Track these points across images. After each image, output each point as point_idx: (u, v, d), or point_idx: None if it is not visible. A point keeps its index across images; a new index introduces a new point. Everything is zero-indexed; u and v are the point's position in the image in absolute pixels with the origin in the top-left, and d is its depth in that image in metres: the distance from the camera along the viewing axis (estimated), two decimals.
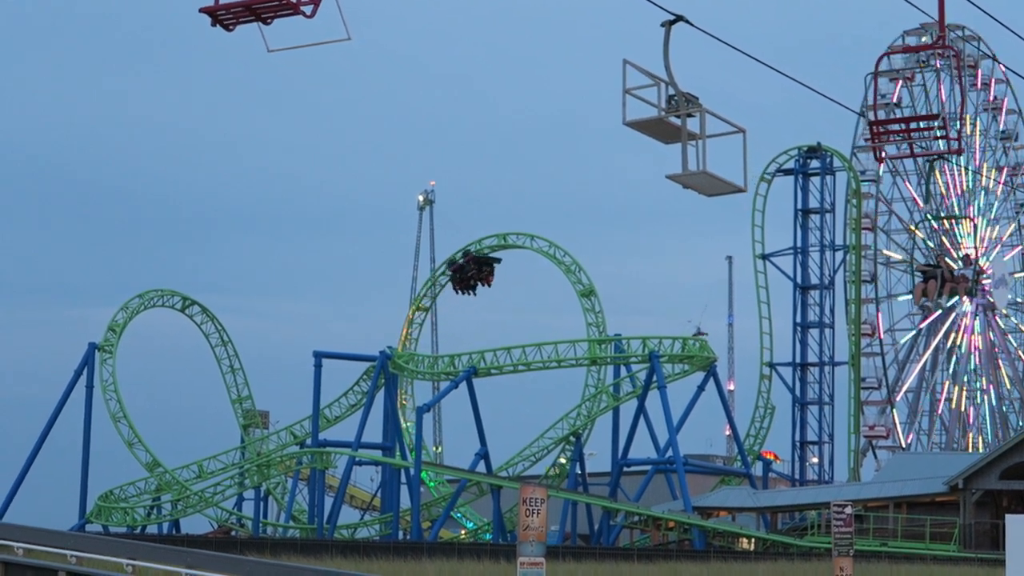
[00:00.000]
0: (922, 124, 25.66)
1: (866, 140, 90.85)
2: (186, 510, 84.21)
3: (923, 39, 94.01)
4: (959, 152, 28.64)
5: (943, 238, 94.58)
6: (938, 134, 25.58)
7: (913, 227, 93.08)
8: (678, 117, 17.47)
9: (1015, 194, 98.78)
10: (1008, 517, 23.15)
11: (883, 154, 31.94)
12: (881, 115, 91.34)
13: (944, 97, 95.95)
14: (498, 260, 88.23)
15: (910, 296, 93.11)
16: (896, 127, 25.59)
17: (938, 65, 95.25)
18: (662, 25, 17.31)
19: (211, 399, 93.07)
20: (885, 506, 70.56)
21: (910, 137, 25.52)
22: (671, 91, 17.41)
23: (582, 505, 77.98)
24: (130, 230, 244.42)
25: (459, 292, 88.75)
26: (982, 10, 21.82)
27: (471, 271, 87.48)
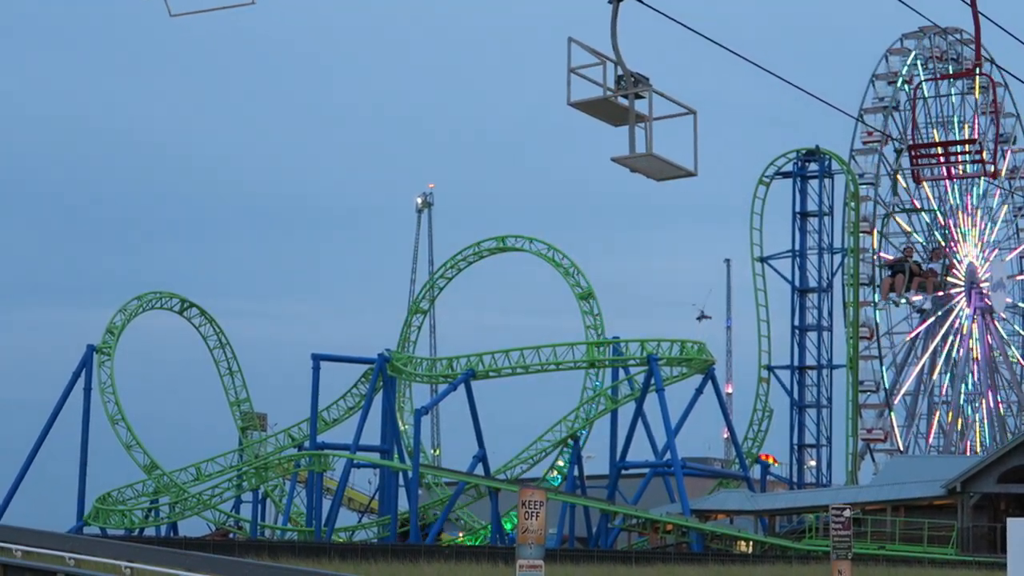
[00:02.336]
0: (959, 148, 26.08)
1: (865, 142, 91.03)
2: (184, 512, 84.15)
3: (923, 42, 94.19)
4: (995, 175, 29.12)
5: (941, 241, 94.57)
6: (975, 158, 25.94)
7: (910, 230, 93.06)
8: (625, 97, 16.81)
9: (1013, 197, 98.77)
10: (1009, 521, 23.18)
11: (922, 176, 32.41)
12: (880, 119, 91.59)
13: (942, 100, 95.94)
14: None
15: (919, 297, 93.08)
16: (935, 151, 25.99)
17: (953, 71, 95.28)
18: (609, 1, 16.65)
19: (209, 401, 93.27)
20: (883, 509, 70.58)
21: (948, 161, 25.90)
22: (620, 71, 16.75)
23: (580, 508, 77.99)
24: (128, 232, 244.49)
25: None
26: (984, 15, 21.83)
27: None
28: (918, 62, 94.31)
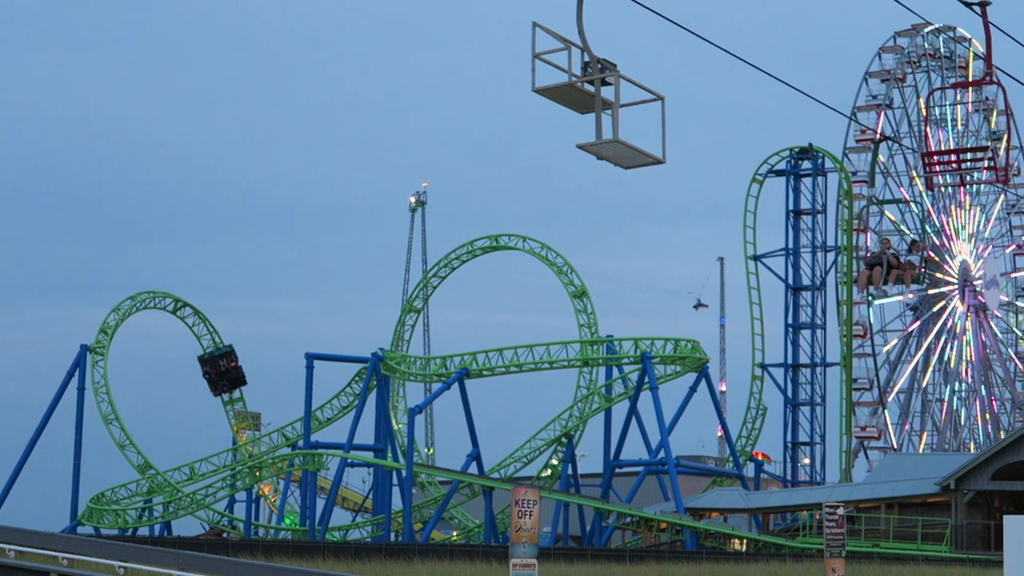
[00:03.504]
0: (972, 156, 26.60)
1: (858, 140, 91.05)
2: (177, 512, 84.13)
3: (916, 39, 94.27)
4: (1006, 182, 29.40)
5: (934, 238, 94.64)
6: (988, 165, 26.48)
7: (904, 227, 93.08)
8: (591, 84, 16.41)
9: (1006, 195, 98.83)
10: (1007, 518, 23.17)
11: (935, 182, 33.01)
12: (872, 117, 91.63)
13: (935, 97, 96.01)
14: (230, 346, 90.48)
15: (900, 297, 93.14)
16: (948, 158, 26.47)
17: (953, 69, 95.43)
18: None
19: (203, 401, 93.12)
20: (877, 507, 70.63)
21: (961, 168, 26.38)
22: (586, 58, 16.36)
23: (574, 506, 77.98)
24: (122, 232, 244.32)
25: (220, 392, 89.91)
26: (973, 10, 21.84)
27: (222, 367, 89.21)
28: (911, 60, 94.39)
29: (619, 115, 16.44)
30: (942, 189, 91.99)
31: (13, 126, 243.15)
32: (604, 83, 16.43)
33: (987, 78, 24.75)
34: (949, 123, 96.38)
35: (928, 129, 41.23)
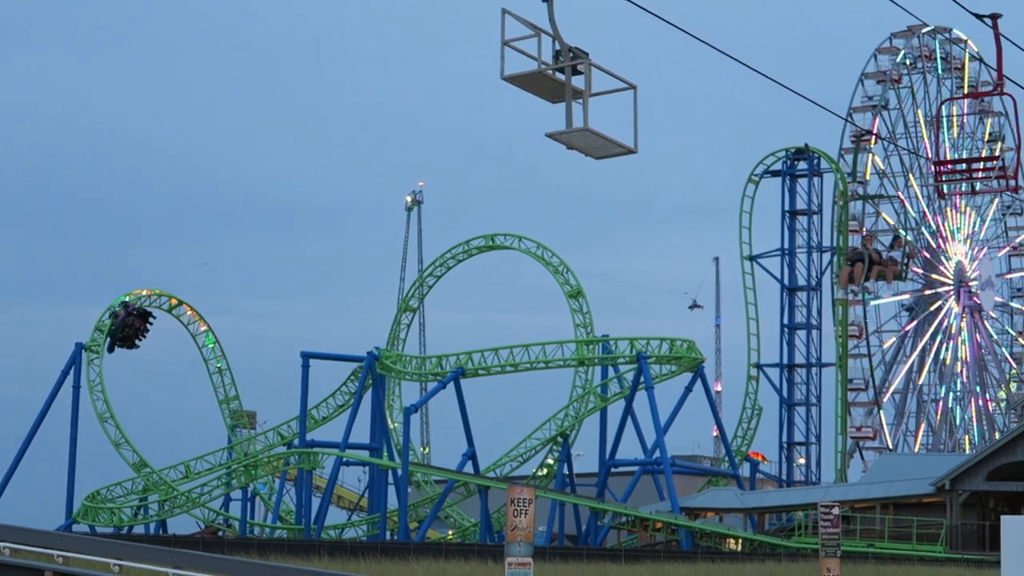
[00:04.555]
0: (983, 165, 26.76)
1: (853, 141, 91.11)
2: (173, 510, 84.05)
3: (911, 41, 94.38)
4: (1015, 190, 29.57)
5: (929, 239, 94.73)
6: (998, 175, 26.63)
7: (900, 228, 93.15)
8: (562, 72, 16.03)
9: (1001, 196, 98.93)
10: (1004, 519, 23.23)
11: (945, 191, 33.55)
12: (868, 118, 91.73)
13: (931, 99, 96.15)
14: (152, 316, 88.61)
15: (896, 298, 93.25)
16: (959, 167, 26.66)
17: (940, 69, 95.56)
18: None
19: (198, 400, 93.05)
20: (872, 507, 70.68)
21: (971, 177, 26.47)
22: (557, 45, 15.99)
23: (570, 506, 77.99)
24: (119, 231, 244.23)
25: (119, 347, 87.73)
26: (984, 22, 21.90)
27: (131, 326, 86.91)
28: (907, 61, 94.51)
29: (590, 104, 16.11)
30: (950, 197, 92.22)
31: (9, 125, 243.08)
32: (575, 71, 16.08)
33: (998, 89, 24.79)
34: (944, 122, 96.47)
35: (939, 138, 41.68)
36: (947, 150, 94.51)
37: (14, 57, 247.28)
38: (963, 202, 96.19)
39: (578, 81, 16.16)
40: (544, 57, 16.09)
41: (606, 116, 16.27)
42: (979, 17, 21.44)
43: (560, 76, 16.10)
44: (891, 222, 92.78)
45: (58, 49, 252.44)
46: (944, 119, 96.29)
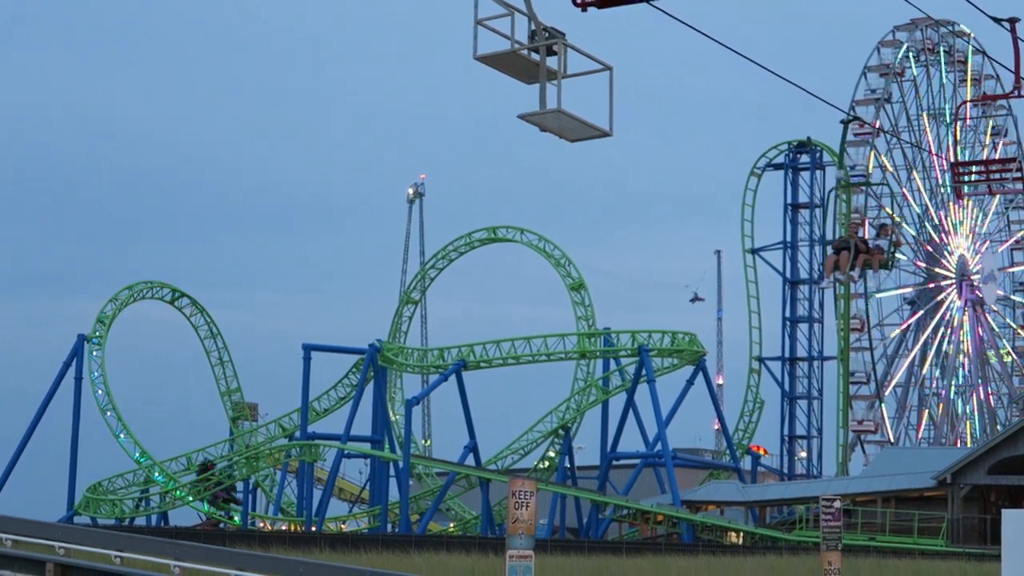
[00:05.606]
0: (1000, 167, 27.06)
1: (856, 134, 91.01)
2: (174, 502, 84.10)
3: (914, 34, 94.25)
4: None
5: (932, 232, 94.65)
6: (1015, 176, 26.87)
7: (900, 220, 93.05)
8: (536, 52, 15.64)
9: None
10: (1005, 513, 23.19)
11: (964, 192, 33.88)
12: (871, 111, 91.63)
13: (934, 92, 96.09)
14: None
15: (899, 291, 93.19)
16: (976, 169, 27.00)
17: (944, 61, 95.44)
18: None
19: (200, 392, 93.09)
20: (873, 501, 70.66)
21: (989, 178, 26.67)
22: (532, 26, 15.62)
23: (571, 499, 78.02)
24: (120, 222, 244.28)
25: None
26: (1003, 27, 21.91)
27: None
28: (910, 54, 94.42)
29: (564, 85, 15.77)
30: (951, 191, 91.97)
31: (11, 121, 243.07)
32: (551, 52, 15.72)
33: (1016, 92, 24.85)
34: (948, 117, 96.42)
35: (956, 141, 41.89)
36: (951, 146, 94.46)
37: (16, 54, 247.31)
38: (965, 196, 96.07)
39: (554, 63, 15.78)
40: (520, 37, 15.71)
41: (586, 99, 15.98)
42: (997, 21, 21.49)
43: (535, 57, 15.73)
44: (888, 211, 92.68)
45: (60, 46, 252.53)
46: (948, 114, 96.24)
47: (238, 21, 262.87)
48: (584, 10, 15.54)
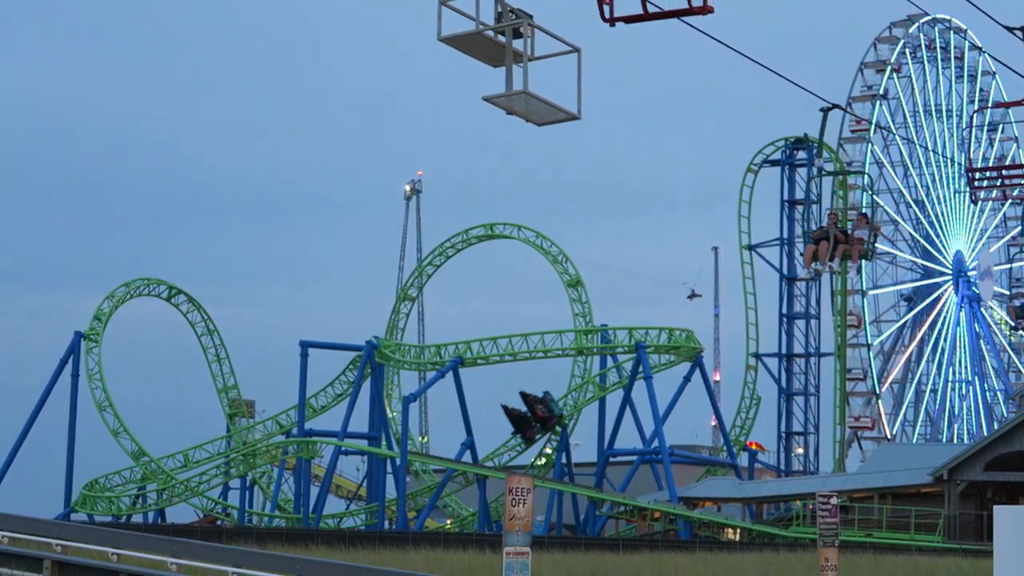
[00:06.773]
0: (1017, 172, 27.52)
1: (853, 130, 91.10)
2: (171, 499, 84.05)
3: (911, 30, 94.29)
4: None
5: (929, 229, 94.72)
6: None
7: (899, 218, 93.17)
8: (503, 34, 15.34)
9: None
10: (997, 508, 23.18)
11: (979, 196, 33.94)
12: (868, 108, 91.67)
13: (931, 88, 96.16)
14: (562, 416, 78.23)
15: (895, 287, 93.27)
16: (991, 174, 27.47)
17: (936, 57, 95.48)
18: None
19: (197, 388, 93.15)
20: (870, 497, 70.72)
21: (1004, 183, 26.95)
22: (499, 8, 15.37)
23: (568, 495, 78.02)
24: (116, 218, 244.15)
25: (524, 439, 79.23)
26: (1015, 35, 21.90)
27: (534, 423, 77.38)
28: (907, 51, 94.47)
29: (530, 68, 15.46)
30: (949, 186, 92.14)
31: (7, 115, 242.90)
32: (517, 34, 15.42)
33: None
34: (944, 113, 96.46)
35: (971, 147, 42.11)
36: (946, 140, 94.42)
37: (13, 47, 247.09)
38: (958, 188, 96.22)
39: (521, 45, 15.50)
40: (487, 20, 15.45)
41: (556, 83, 15.69)
42: (1009, 30, 21.43)
43: (501, 38, 15.45)
44: (882, 204, 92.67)
45: (56, 40, 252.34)
46: (944, 111, 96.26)
47: (236, 17, 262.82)
48: (612, 25, 15.37)
